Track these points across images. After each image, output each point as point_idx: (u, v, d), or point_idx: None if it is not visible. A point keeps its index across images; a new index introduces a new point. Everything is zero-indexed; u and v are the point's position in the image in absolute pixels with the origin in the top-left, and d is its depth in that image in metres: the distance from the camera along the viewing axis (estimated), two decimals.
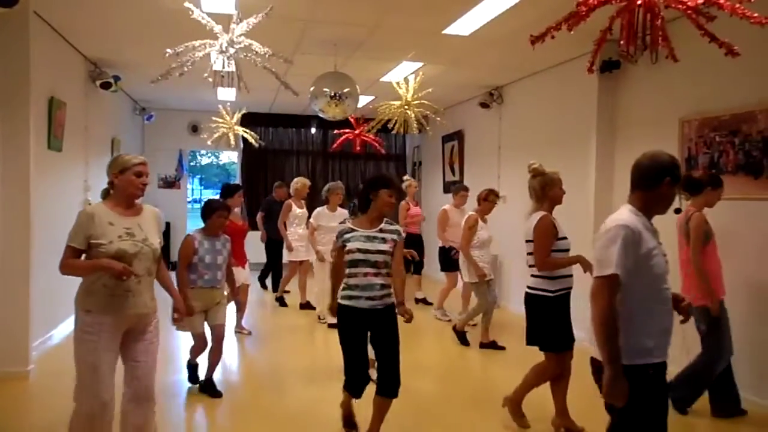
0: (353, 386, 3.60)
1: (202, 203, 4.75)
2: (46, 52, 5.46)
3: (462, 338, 6.07)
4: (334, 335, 3.70)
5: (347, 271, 3.53)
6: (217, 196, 5.82)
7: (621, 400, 2.25)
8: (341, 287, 3.59)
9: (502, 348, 5.88)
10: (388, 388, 3.52)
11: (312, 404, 4.37)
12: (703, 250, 4.02)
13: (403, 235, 3.78)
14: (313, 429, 3.95)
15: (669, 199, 2.41)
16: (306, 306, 7.68)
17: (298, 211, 7.50)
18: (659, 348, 2.31)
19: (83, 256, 2.90)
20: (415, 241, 8.12)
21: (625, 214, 2.35)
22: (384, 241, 3.55)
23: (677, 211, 2.54)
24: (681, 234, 4.16)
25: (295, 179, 7.74)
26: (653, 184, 2.36)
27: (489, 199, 5.97)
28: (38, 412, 4.18)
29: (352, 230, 3.56)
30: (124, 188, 2.98)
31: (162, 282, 3.28)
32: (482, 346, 5.98)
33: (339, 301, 3.57)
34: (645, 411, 2.30)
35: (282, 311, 7.75)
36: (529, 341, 3.90)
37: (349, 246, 3.50)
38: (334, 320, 3.75)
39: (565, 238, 3.81)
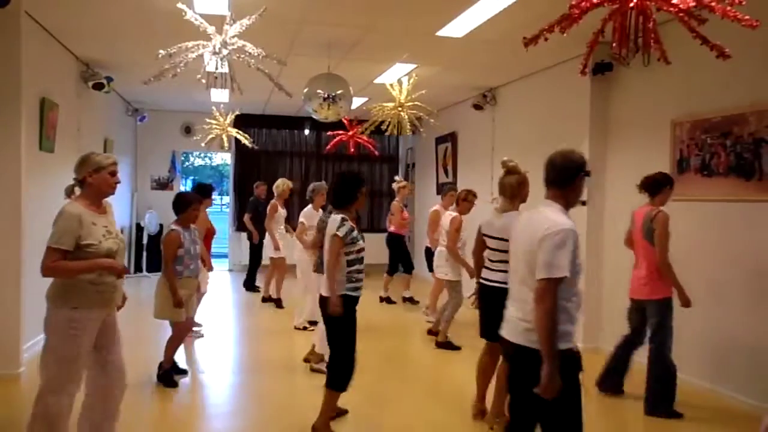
0: (349, 377, 3.67)
1: (174, 197, 4.81)
2: (38, 53, 5.43)
3: (449, 346, 6.02)
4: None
5: (354, 267, 3.65)
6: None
7: (555, 393, 2.37)
8: (346, 279, 3.64)
9: (458, 348, 5.98)
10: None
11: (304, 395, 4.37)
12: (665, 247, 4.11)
13: None
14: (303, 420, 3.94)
15: (581, 192, 2.62)
16: (267, 300, 8.01)
17: (281, 211, 7.64)
18: (574, 335, 2.49)
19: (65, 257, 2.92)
20: (403, 242, 8.29)
21: (561, 216, 2.46)
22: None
23: (583, 203, 2.67)
24: (639, 231, 4.24)
25: (278, 181, 7.82)
26: (570, 180, 2.52)
27: (468, 199, 6.00)
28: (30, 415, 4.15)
29: (353, 228, 3.67)
30: (99, 187, 3.04)
31: None
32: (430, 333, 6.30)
33: (347, 293, 3.64)
34: (576, 389, 2.46)
35: (276, 312, 7.71)
36: (487, 334, 3.91)
37: (361, 245, 3.68)
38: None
39: None
